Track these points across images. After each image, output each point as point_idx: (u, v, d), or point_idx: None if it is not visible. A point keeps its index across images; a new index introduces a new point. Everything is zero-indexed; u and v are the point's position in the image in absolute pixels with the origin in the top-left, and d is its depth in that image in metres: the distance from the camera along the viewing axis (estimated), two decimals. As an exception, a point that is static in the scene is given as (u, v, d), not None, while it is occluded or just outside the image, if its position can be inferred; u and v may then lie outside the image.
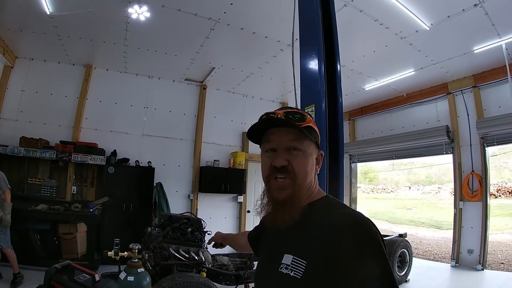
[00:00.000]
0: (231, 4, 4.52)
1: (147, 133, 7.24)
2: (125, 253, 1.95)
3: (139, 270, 1.87)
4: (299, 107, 2.71)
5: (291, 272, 0.85)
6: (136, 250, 1.91)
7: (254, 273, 1.08)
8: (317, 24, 2.66)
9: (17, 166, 5.88)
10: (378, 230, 0.83)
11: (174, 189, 7.25)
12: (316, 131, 1.03)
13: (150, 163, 6.82)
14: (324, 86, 2.50)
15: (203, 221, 4.06)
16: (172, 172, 7.32)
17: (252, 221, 8.17)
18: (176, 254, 3.56)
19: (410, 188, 29.22)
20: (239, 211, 8.09)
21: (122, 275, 1.85)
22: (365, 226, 0.82)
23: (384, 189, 30.21)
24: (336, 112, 2.51)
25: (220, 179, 7.49)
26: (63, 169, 6.21)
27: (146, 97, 7.33)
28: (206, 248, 3.94)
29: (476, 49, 5.52)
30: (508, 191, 19.69)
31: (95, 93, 6.78)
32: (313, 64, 2.59)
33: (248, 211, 8.16)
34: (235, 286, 3.89)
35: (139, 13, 4.56)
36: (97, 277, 2.09)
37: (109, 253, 2.25)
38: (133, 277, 1.84)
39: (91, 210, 5.55)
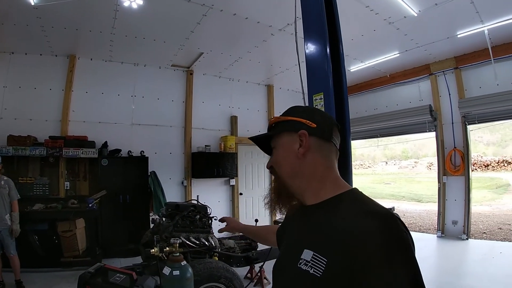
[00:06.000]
0: (226, -10, 4.47)
1: (136, 122, 7.10)
2: (167, 248, 1.98)
3: (182, 264, 1.94)
4: (305, 93, 2.77)
5: (310, 269, 0.81)
6: (177, 244, 1.96)
7: (273, 266, 1.03)
8: (321, 10, 2.70)
9: (5, 167, 5.57)
10: (407, 229, 0.79)
11: (167, 176, 7.20)
12: (293, 119, 1.02)
13: (143, 152, 6.73)
14: (331, 73, 2.56)
15: (208, 207, 4.14)
16: (164, 160, 7.26)
17: (245, 204, 8.38)
18: (188, 242, 3.64)
19: (387, 163, 29.90)
20: (231, 194, 8.20)
21: (167, 270, 1.90)
22: (394, 227, 0.77)
23: (362, 164, 30.64)
24: (342, 93, 2.59)
25: (212, 164, 7.54)
26: (54, 165, 6.01)
27: (133, 86, 7.13)
28: (213, 233, 4.05)
29: (459, 34, 5.76)
30: (483, 165, 20.57)
31: (81, 84, 6.52)
32: (319, 50, 2.61)
33: (241, 194, 8.33)
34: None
35: (132, 0, 4.41)
36: (134, 276, 2.10)
37: (151, 250, 2.25)
38: (178, 271, 1.88)
39: (89, 205, 5.47)
